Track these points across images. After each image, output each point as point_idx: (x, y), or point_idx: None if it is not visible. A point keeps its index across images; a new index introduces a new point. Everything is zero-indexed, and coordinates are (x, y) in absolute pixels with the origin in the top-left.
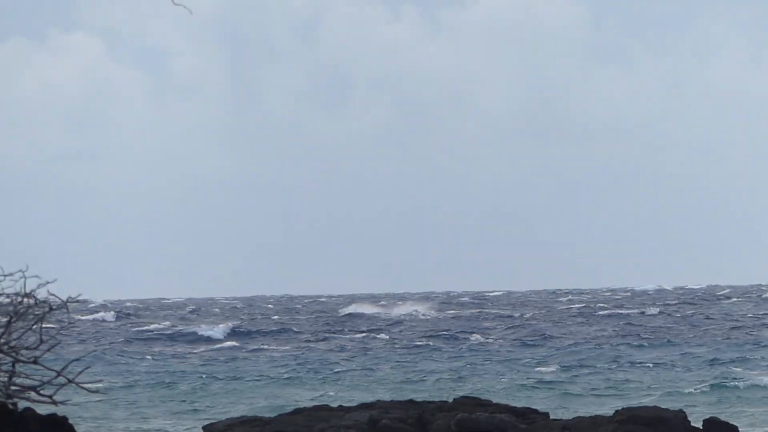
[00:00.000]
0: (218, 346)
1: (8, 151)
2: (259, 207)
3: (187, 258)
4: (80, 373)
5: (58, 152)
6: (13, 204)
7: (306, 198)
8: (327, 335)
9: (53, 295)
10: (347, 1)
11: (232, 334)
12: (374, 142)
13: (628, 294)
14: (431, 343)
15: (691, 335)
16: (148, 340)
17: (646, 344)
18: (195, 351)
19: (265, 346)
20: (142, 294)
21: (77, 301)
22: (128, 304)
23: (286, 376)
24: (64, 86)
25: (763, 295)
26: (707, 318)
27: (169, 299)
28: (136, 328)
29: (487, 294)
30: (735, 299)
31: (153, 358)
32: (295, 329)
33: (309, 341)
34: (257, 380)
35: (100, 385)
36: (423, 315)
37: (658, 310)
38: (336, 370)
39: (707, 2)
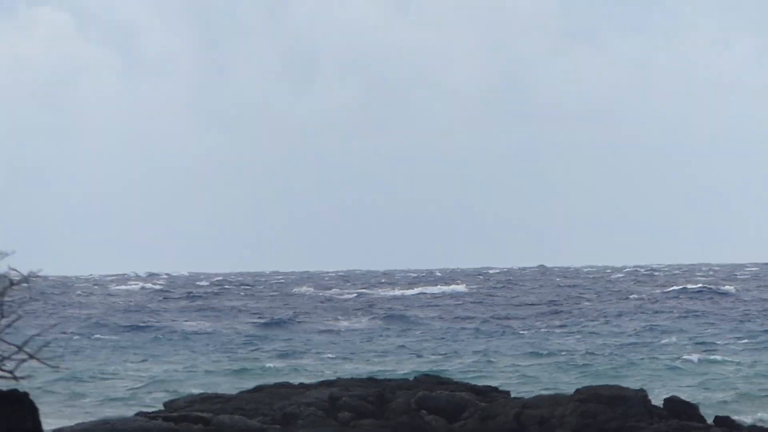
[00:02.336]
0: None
1: None
2: (228, 184)
3: (155, 235)
4: (42, 348)
5: (27, 126)
6: None
7: (275, 175)
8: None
9: (14, 269)
10: None
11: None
12: (343, 120)
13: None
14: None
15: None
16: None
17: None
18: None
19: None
20: (107, 269)
21: (38, 276)
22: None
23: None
24: (33, 60)
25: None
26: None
27: (132, 274)
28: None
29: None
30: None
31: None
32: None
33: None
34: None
35: (61, 361)
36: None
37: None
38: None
39: None
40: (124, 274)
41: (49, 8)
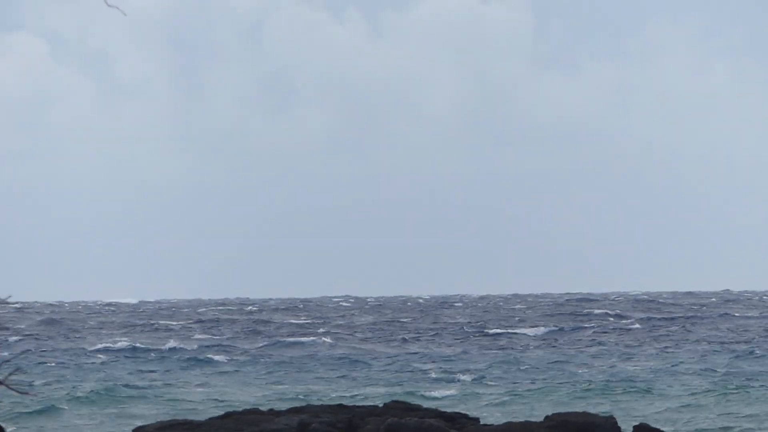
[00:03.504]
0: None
1: None
2: (205, 210)
3: (131, 260)
4: (10, 374)
5: (2, 150)
6: None
7: (251, 201)
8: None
9: None
10: (291, 3)
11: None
12: (320, 144)
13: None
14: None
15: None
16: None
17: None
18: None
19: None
20: (80, 296)
21: (6, 303)
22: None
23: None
24: (7, 85)
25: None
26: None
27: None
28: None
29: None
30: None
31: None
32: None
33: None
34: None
35: (32, 385)
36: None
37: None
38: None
39: (651, 9)
40: (106, 302)
41: (24, 34)
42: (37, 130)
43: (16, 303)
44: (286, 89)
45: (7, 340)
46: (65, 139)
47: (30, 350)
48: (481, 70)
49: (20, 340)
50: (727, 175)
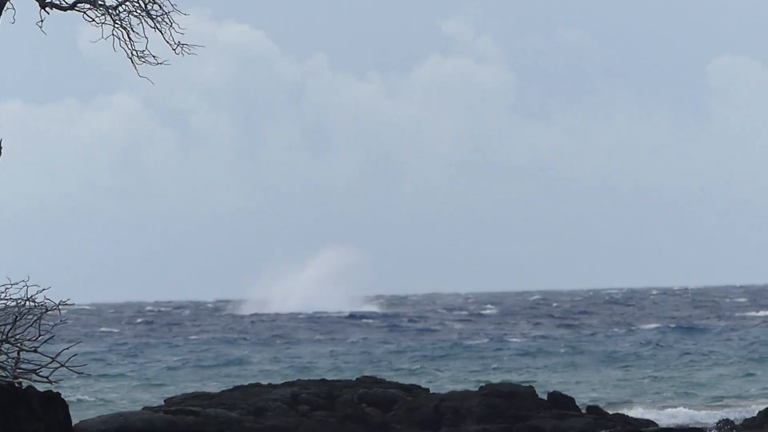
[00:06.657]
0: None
1: (64, 188)
2: (259, 235)
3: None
4: (70, 358)
5: (105, 187)
6: (68, 233)
7: (296, 228)
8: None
9: (48, 299)
10: (325, 71)
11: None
12: (350, 181)
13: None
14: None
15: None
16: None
17: None
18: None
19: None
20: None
21: (67, 305)
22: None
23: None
24: (109, 136)
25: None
26: None
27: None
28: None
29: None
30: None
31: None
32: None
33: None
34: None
35: (85, 366)
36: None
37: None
38: None
39: (607, 74)
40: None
41: (120, 95)
42: (131, 170)
43: (73, 304)
44: (323, 137)
45: (50, 331)
46: (155, 178)
47: (82, 340)
48: (473, 121)
49: (80, 333)
50: (664, 202)
